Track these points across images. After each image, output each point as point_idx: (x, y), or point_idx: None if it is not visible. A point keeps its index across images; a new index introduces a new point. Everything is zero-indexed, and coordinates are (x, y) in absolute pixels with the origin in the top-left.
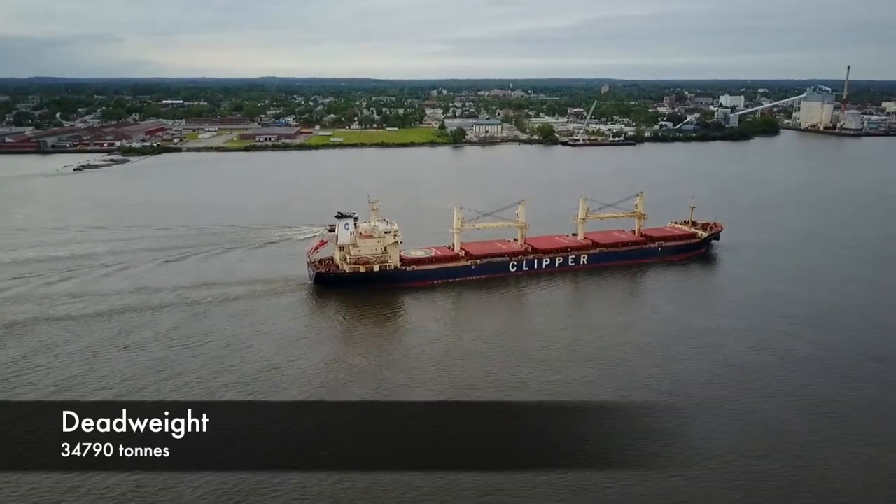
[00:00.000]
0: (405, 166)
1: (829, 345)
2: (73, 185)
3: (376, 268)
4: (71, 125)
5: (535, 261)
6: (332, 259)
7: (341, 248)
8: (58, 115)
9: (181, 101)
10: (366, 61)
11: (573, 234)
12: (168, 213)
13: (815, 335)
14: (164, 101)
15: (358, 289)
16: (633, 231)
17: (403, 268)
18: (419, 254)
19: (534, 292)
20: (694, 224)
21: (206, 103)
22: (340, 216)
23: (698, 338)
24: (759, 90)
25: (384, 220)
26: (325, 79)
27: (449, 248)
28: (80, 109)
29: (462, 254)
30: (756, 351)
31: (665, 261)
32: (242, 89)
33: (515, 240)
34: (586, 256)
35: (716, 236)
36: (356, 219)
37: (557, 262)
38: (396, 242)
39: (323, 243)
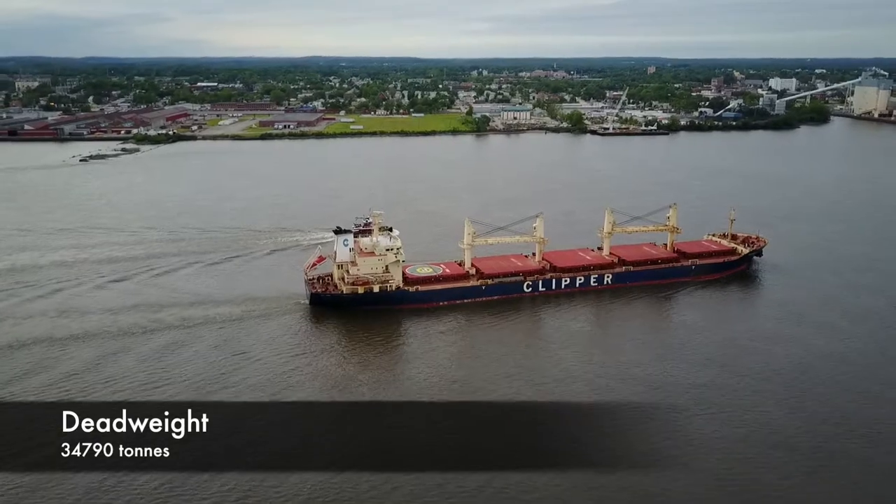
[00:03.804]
0: (419, 159)
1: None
2: (63, 179)
3: (376, 288)
4: (101, 109)
5: (554, 280)
6: (330, 276)
7: (340, 266)
8: (90, 98)
9: (216, 84)
10: (410, 39)
11: (598, 248)
12: (140, 214)
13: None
14: (198, 84)
15: (357, 311)
16: (665, 246)
17: (406, 288)
18: (426, 271)
19: (550, 318)
20: (734, 238)
21: (240, 85)
22: (339, 231)
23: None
24: (816, 70)
25: (387, 232)
26: (370, 58)
27: (459, 263)
28: (113, 92)
29: (472, 272)
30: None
31: (700, 280)
32: (282, 70)
33: (533, 254)
34: (611, 276)
35: (758, 252)
36: (367, 223)
37: (578, 282)
38: (398, 260)
39: (322, 259)
